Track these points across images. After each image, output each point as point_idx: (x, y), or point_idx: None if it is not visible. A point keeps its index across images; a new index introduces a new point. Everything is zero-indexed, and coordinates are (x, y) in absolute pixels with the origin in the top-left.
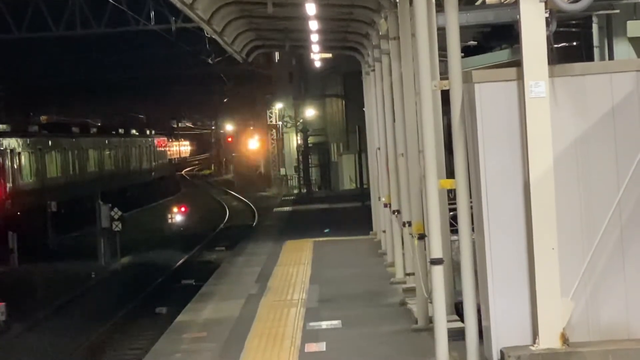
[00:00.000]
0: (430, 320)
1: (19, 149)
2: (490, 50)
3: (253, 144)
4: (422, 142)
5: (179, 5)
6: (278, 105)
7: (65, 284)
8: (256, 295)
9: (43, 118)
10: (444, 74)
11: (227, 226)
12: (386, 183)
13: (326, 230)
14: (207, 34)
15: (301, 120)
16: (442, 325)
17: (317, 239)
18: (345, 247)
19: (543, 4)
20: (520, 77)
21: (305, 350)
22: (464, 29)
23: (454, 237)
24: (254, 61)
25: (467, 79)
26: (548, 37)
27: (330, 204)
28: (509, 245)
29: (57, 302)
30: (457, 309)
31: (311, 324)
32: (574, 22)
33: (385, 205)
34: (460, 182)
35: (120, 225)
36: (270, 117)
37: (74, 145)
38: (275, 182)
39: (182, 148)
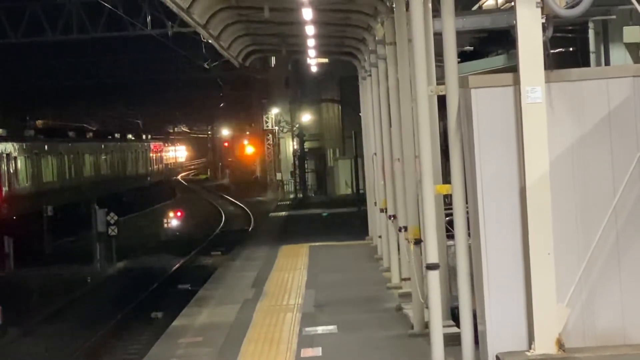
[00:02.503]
0: (426, 325)
1: (15, 154)
2: (487, 55)
3: (249, 149)
4: (418, 147)
5: (175, 9)
6: (274, 110)
7: (61, 288)
8: (252, 300)
9: (39, 122)
10: (441, 79)
11: (223, 231)
12: (382, 188)
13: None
14: (204, 38)
15: (297, 125)
16: (438, 330)
17: (312, 244)
18: (341, 252)
19: (539, 9)
20: (516, 83)
21: (302, 355)
22: (460, 34)
23: (450, 242)
24: (250, 66)
25: (463, 84)
26: (544, 43)
27: (327, 209)
28: (505, 250)
29: (53, 306)
30: (453, 314)
31: (307, 329)
32: (570, 27)
33: (382, 210)
34: (456, 188)
35: (116, 230)
36: (267, 122)
37: (70, 149)
38: (272, 187)
39: (178, 153)
